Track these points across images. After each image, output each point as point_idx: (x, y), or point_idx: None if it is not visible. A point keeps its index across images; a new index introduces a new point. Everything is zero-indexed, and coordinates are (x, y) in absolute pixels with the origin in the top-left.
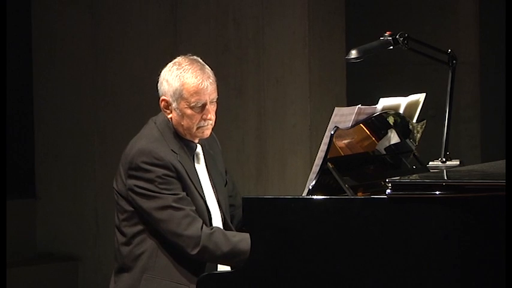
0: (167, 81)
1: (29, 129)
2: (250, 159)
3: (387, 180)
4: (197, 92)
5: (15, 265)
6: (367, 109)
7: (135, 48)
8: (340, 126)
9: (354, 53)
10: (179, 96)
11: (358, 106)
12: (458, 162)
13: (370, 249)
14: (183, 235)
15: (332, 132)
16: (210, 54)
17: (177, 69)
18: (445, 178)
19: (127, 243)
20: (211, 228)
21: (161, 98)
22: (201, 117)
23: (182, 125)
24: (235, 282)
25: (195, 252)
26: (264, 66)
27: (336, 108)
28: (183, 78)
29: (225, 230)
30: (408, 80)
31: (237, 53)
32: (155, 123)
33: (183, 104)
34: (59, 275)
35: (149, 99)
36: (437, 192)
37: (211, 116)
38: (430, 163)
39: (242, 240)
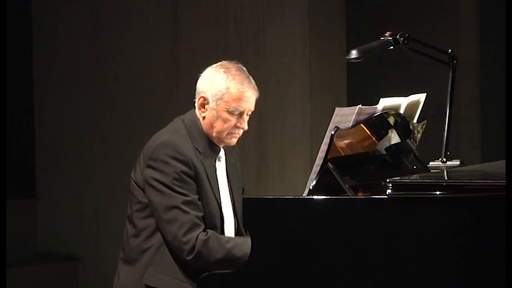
0: (212, 80)
1: (30, 128)
2: (251, 159)
3: (388, 180)
4: (240, 99)
5: (15, 265)
6: (368, 109)
7: (135, 48)
8: (340, 127)
9: (354, 53)
10: (220, 97)
11: (358, 106)
12: (458, 163)
13: (371, 250)
14: (181, 240)
15: (332, 133)
16: (210, 54)
17: (225, 72)
18: (446, 178)
19: (136, 235)
20: (207, 233)
21: (200, 95)
22: (235, 124)
23: (214, 127)
24: (235, 282)
25: (189, 258)
26: (265, 66)
27: (336, 108)
28: (229, 82)
29: (237, 235)
30: (409, 80)
31: (237, 53)
32: (183, 121)
33: (222, 106)
34: (59, 275)
35: (149, 99)
36: (437, 193)
37: (245, 125)
38: (431, 163)
39: (236, 245)
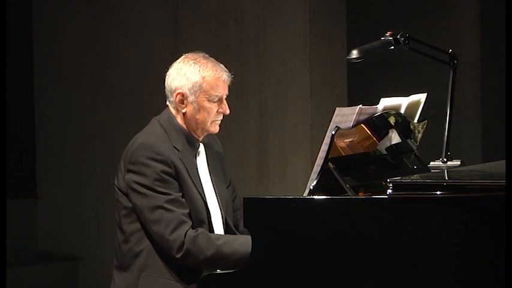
0: (185, 74)
1: (30, 128)
2: (251, 159)
3: (388, 180)
4: (217, 85)
5: (15, 265)
6: (368, 109)
7: (136, 48)
8: (341, 126)
9: (354, 53)
10: (199, 89)
11: (359, 106)
12: (459, 162)
13: (371, 250)
14: (168, 239)
15: (333, 132)
16: (211, 54)
17: (195, 63)
18: (446, 178)
19: (126, 241)
20: (196, 231)
21: (177, 92)
22: (217, 110)
23: (196, 119)
24: (235, 282)
25: (178, 255)
26: (265, 66)
27: (336, 108)
28: (203, 71)
29: (226, 229)
30: (409, 80)
31: (238, 53)
32: (158, 121)
33: (202, 97)
34: (60, 275)
35: (149, 99)
36: (438, 193)
37: (227, 109)
38: (431, 163)
39: (225, 243)
